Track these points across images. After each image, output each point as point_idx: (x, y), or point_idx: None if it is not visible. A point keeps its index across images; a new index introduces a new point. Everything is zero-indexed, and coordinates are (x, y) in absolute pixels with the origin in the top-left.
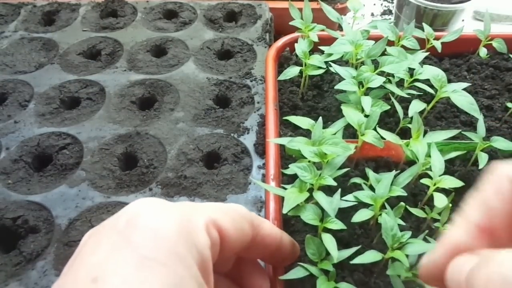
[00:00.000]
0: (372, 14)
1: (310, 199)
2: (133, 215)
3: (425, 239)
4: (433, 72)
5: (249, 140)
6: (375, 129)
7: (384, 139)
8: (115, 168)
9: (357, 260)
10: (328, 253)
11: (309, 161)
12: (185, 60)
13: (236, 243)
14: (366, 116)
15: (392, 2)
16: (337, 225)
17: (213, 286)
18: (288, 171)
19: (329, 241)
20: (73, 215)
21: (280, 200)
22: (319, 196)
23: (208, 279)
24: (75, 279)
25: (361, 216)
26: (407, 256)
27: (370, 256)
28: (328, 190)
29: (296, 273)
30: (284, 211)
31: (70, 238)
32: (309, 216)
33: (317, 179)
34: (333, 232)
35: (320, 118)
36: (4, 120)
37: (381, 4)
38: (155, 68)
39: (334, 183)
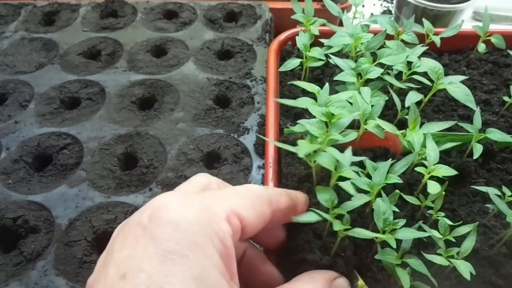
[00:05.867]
0: (372, 15)
1: None
2: (156, 210)
3: (420, 228)
4: (430, 65)
5: (249, 140)
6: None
7: (383, 129)
8: (115, 168)
9: (350, 205)
10: (339, 203)
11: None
12: (185, 60)
13: (257, 226)
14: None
15: (392, 2)
16: (351, 174)
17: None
18: (296, 128)
19: (347, 185)
20: (73, 215)
21: None
22: (331, 150)
23: (231, 266)
24: (106, 276)
25: (359, 200)
26: (398, 240)
27: (362, 233)
28: None
29: (309, 217)
30: (300, 154)
31: (70, 238)
32: (326, 161)
33: (326, 135)
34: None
35: (327, 84)
36: (4, 120)
37: (381, 5)
38: (155, 68)
39: (342, 138)
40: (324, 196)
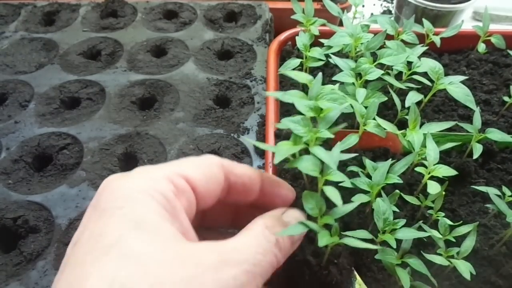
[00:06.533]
0: (372, 15)
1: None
2: (101, 189)
3: (420, 228)
4: (430, 65)
5: None
6: (374, 119)
7: (384, 128)
8: (115, 168)
9: (349, 233)
10: (328, 209)
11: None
12: (185, 60)
13: (210, 186)
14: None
15: (392, 3)
16: (339, 176)
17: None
18: (281, 125)
19: (332, 192)
20: (73, 215)
21: None
22: (317, 150)
23: (180, 220)
24: (66, 252)
25: (348, 206)
26: (398, 240)
27: (361, 234)
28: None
29: (295, 229)
30: (275, 161)
31: (70, 238)
32: (308, 166)
33: (313, 133)
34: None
35: (320, 74)
36: (4, 120)
37: (381, 5)
38: (155, 68)
39: (331, 135)
40: (310, 204)
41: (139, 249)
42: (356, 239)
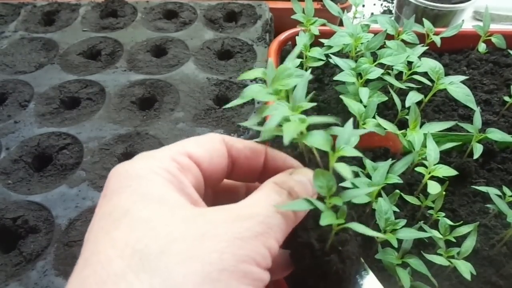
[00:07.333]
0: (372, 14)
1: None
2: (108, 177)
3: (421, 228)
4: (431, 65)
5: None
6: (374, 118)
7: (384, 128)
8: None
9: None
10: (339, 190)
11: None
12: (185, 60)
13: (214, 161)
14: (365, 107)
15: (392, 2)
16: (352, 151)
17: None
18: (250, 122)
19: (343, 167)
20: (73, 215)
21: None
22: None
23: (188, 192)
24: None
25: (359, 199)
26: (398, 241)
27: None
28: None
29: (298, 205)
30: (285, 142)
31: (70, 238)
32: (319, 141)
33: (292, 108)
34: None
35: (270, 59)
36: (4, 120)
37: (381, 4)
38: (155, 68)
39: (309, 105)
40: (320, 182)
41: (147, 215)
42: (360, 226)
